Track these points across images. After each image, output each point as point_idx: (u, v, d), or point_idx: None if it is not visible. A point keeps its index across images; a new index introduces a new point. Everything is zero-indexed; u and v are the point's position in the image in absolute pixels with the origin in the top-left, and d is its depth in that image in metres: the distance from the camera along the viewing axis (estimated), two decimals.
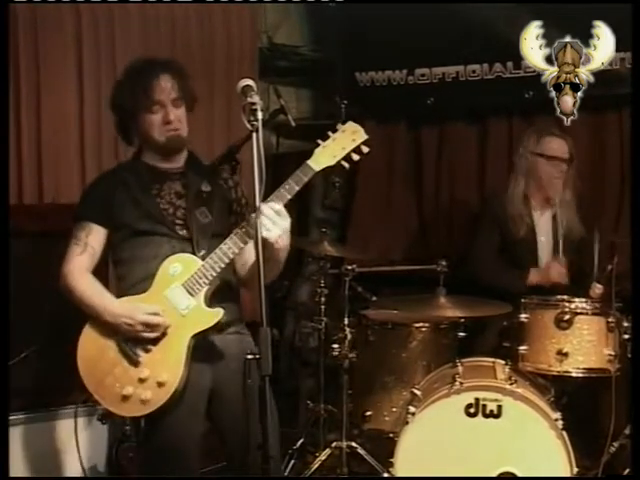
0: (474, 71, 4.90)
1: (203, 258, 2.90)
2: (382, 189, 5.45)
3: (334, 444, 3.97)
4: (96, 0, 4.47)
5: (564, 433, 3.28)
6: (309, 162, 2.80)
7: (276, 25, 5.71)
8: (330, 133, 2.83)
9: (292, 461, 4.08)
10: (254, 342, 2.56)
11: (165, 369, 2.84)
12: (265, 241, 2.64)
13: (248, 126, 2.49)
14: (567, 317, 3.59)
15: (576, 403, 3.86)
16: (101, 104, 4.42)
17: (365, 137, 2.83)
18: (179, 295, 2.88)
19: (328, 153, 2.81)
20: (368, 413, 3.92)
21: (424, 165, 5.37)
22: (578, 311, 3.61)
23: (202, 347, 2.90)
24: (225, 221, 3.06)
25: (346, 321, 3.97)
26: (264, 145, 2.48)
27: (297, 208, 5.42)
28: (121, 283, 3.03)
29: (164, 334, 2.87)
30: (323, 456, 3.98)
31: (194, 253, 2.93)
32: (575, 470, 3.27)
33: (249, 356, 2.44)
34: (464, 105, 5.09)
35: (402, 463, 3.38)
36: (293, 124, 4.16)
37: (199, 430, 2.99)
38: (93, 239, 3.00)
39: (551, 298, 3.74)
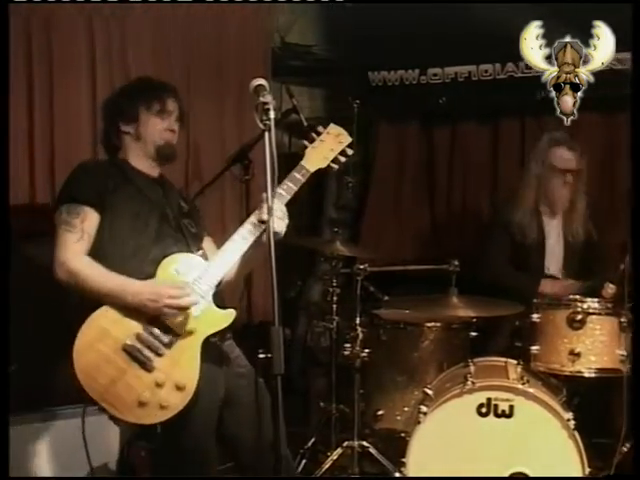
0: (486, 71, 4.89)
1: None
2: (394, 189, 5.45)
3: (346, 443, 3.96)
4: (96, 0, 4.47)
5: (576, 433, 3.27)
6: (303, 163, 2.93)
7: (288, 25, 5.71)
8: (314, 135, 2.97)
9: (303, 461, 4.07)
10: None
11: (181, 372, 2.74)
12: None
13: (260, 125, 2.50)
14: (579, 317, 3.57)
15: (588, 403, 3.85)
16: None
17: (350, 140, 2.98)
18: None
19: (319, 155, 2.94)
20: (380, 412, 3.92)
21: (436, 164, 5.37)
22: (590, 311, 3.59)
23: (210, 351, 2.83)
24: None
25: (358, 320, 3.96)
26: (276, 144, 2.49)
27: (310, 208, 5.46)
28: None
29: (176, 336, 2.76)
30: (335, 455, 3.97)
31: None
32: (587, 470, 3.26)
33: (261, 355, 2.44)
34: (476, 104, 5.08)
35: (414, 463, 3.37)
36: (305, 124, 4.17)
37: (214, 431, 2.93)
38: (89, 225, 2.85)
39: (563, 298, 3.74)
